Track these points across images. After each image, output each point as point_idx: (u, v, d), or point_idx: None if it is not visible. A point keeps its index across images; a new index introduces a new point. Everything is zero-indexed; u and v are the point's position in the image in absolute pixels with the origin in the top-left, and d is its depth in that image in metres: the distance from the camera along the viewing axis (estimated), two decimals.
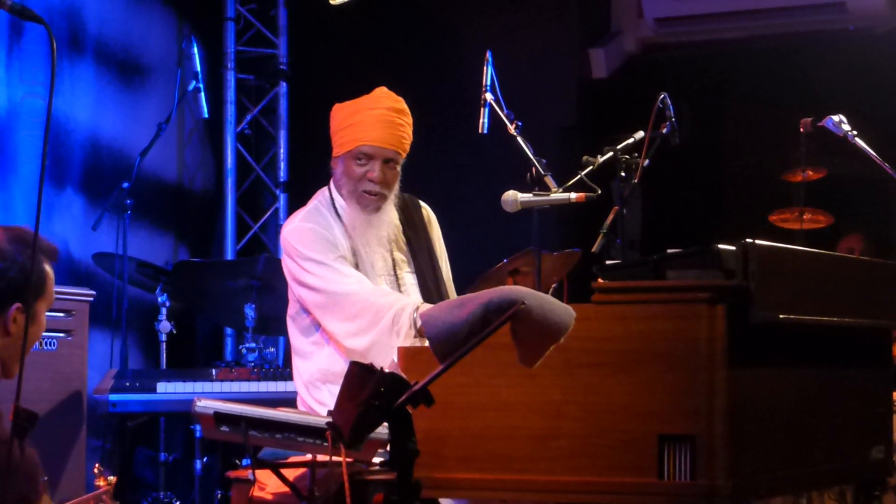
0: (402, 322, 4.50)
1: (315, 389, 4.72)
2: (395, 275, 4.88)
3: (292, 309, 4.82)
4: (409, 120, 4.82)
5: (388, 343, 4.47)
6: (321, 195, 4.90)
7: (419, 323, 4.43)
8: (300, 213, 4.84)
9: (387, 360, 4.39)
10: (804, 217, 7.28)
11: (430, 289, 4.89)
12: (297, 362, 4.84)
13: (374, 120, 4.74)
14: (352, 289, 4.62)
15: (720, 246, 3.85)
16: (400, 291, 4.81)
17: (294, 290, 4.79)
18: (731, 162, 9.56)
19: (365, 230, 4.82)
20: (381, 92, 4.83)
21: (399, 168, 4.82)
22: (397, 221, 4.93)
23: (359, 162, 4.76)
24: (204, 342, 8.87)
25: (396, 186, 4.86)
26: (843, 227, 7.97)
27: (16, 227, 3.76)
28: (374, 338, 4.52)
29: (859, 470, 4.33)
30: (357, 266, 4.75)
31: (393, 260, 4.88)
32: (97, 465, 4.12)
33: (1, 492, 3.20)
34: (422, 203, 5.04)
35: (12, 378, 3.55)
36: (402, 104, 4.82)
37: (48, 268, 3.78)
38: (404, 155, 4.82)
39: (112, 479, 3.98)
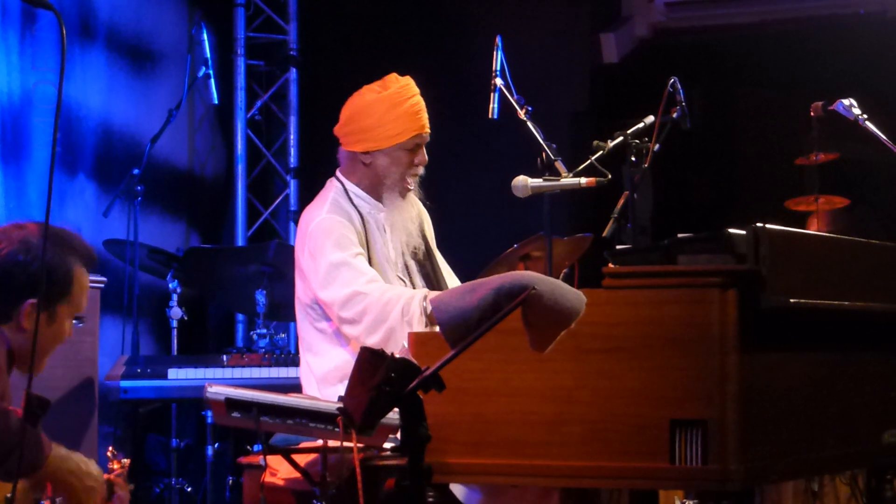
0: (412, 311, 4.50)
1: (329, 386, 4.68)
2: (405, 263, 4.89)
3: (306, 299, 4.79)
4: None
5: (402, 333, 4.46)
6: (333, 187, 4.89)
7: (429, 309, 4.43)
8: (325, 205, 4.80)
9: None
10: (819, 202, 7.25)
11: (430, 277, 4.92)
12: (308, 358, 4.80)
13: (419, 108, 4.85)
14: (362, 288, 4.61)
15: (731, 230, 3.84)
16: (410, 279, 4.83)
17: (309, 289, 4.76)
18: (742, 146, 9.52)
19: (401, 213, 4.89)
20: (405, 80, 4.88)
21: None
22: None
23: (412, 151, 4.83)
24: (215, 328, 8.88)
25: None
26: (857, 211, 7.94)
27: (57, 228, 3.72)
28: (386, 332, 4.52)
29: (872, 454, 4.31)
30: (370, 257, 4.75)
31: (403, 248, 4.89)
32: (110, 448, 4.13)
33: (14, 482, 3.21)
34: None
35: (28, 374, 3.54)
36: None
37: (79, 271, 3.72)
38: None
39: (126, 461, 3.99)
